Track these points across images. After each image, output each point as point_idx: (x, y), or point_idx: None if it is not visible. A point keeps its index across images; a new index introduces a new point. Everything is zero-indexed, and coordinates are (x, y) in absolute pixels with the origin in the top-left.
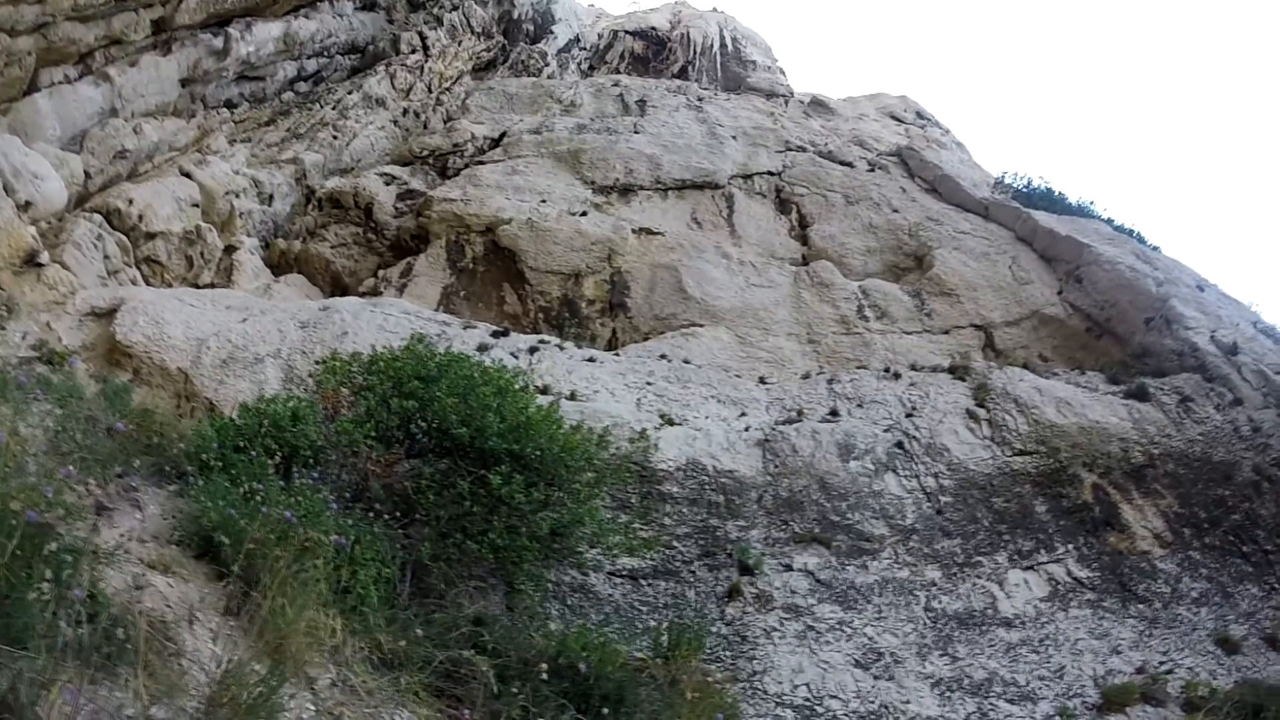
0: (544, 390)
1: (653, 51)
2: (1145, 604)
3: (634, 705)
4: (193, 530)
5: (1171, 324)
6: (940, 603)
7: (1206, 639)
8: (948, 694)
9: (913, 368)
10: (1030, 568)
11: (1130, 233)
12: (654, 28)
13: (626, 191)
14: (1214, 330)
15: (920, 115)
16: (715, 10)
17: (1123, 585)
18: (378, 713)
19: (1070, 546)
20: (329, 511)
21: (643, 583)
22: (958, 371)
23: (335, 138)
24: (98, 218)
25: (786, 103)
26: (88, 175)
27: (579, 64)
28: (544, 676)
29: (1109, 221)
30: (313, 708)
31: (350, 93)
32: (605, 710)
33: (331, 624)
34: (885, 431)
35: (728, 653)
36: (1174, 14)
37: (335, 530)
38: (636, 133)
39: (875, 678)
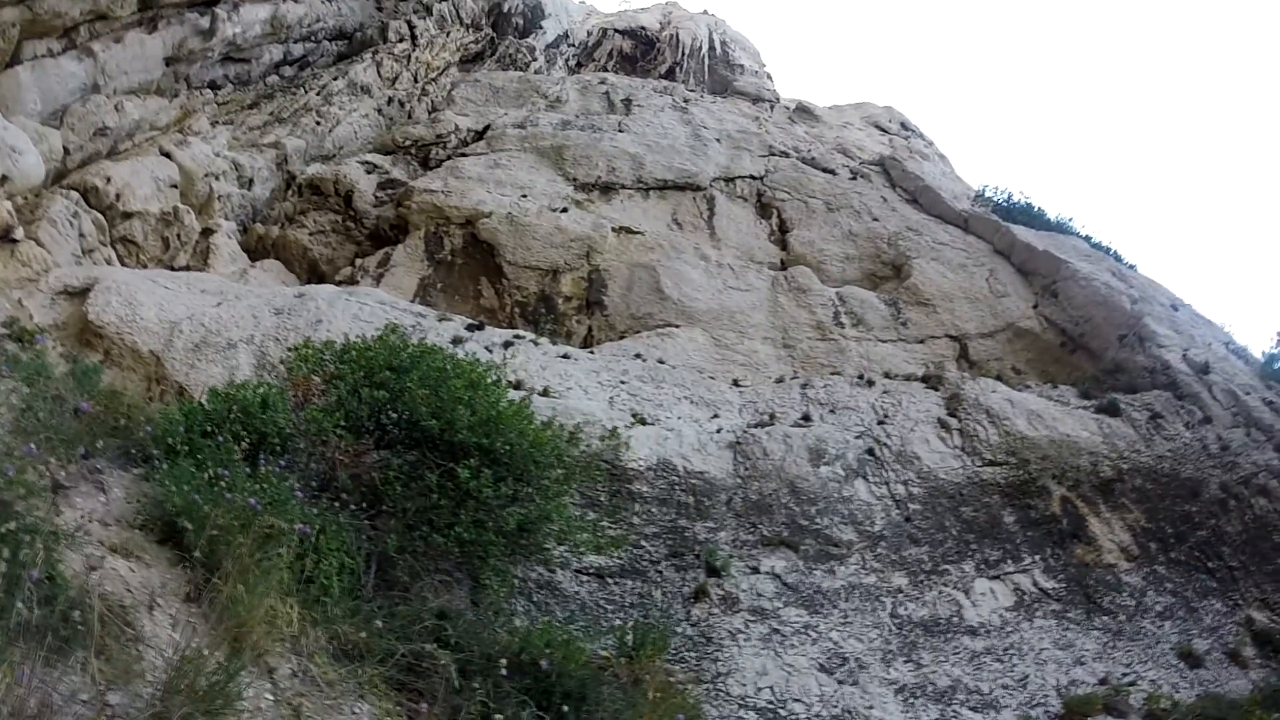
0: (517, 385)
1: (641, 51)
2: (1110, 616)
3: (596, 704)
4: (156, 515)
5: (1144, 341)
6: (906, 609)
7: (1170, 652)
8: (911, 700)
9: (887, 375)
10: (997, 577)
11: (1107, 250)
12: (643, 27)
13: (608, 189)
14: (1186, 349)
15: (905, 126)
16: (706, 13)
17: (1088, 597)
18: (338, 704)
19: (1037, 557)
20: (295, 500)
21: (609, 581)
22: (931, 381)
23: (318, 124)
24: (75, 195)
25: (772, 108)
26: (66, 151)
27: (567, 60)
28: (504, 672)
29: (1087, 238)
30: (271, 697)
31: (336, 79)
32: (566, 708)
33: (290, 613)
34: (857, 438)
35: (692, 654)
36: (1160, 36)
37: (300, 519)
38: (621, 131)
39: (839, 682)
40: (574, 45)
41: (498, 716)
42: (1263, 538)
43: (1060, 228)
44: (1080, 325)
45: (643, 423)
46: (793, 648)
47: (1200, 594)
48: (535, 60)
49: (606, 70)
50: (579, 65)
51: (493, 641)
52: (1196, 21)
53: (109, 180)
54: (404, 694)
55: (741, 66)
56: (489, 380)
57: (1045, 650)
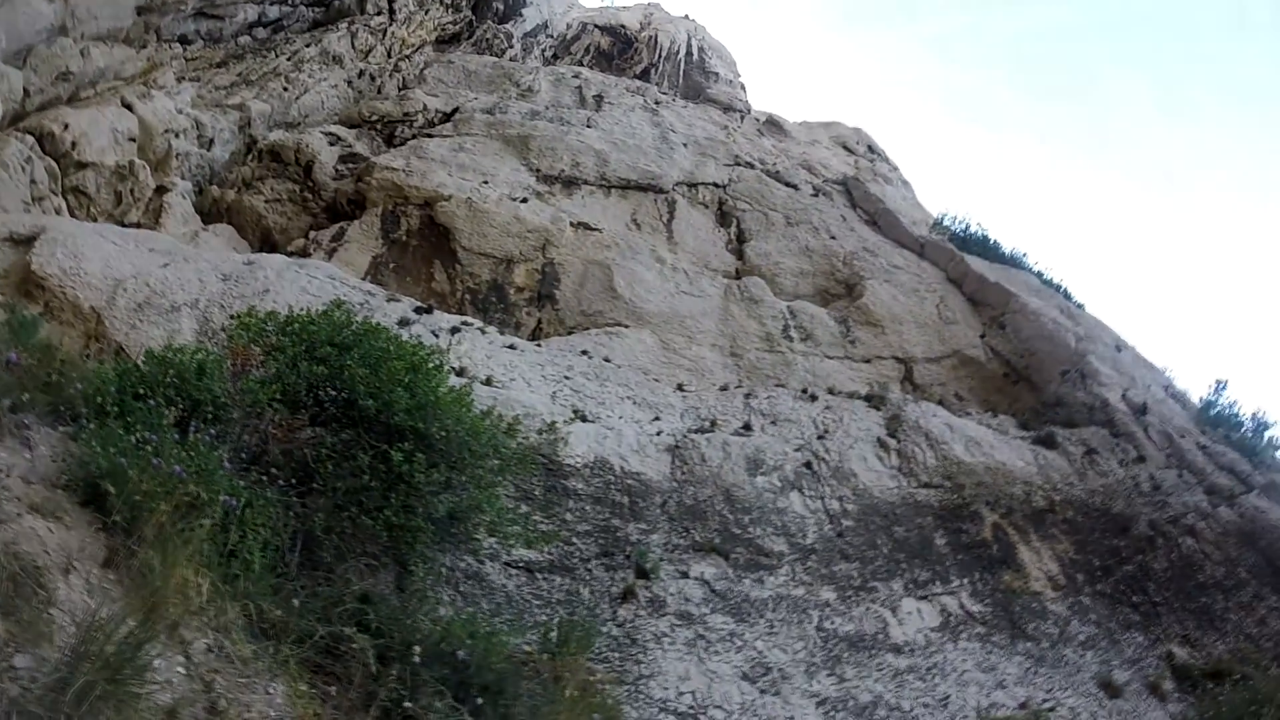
0: (460, 372)
1: (618, 49)
2: (1033, 642)
3: (514, 698)
4: (80, 476)
5: (1086, 379)
6: (832, 623)
7: (1090, 681)
8: (832, 714)
9: (830, 391)
10: (924, 597)
11: (1057, 288)
12: (623, 26)
13: (570, 184)
14: (1126, 389)
15: (871, 149)
16: (687, 18)
17: (1013, 622)
18: (251, 682)
19: (965, 581)
20: (223, 471)
21: (538, 576)
22: (874, 400)
23: (286, 90)
24: (30, 139)
25: (742, 118)
26: (26, 93)
27: (543, 50)
28: (419, 660)
29: (1038, 274)
30: (183, 670)
31: (308, 46)
32: (482, 701)
33: (201, 583)
34: (795, 450)
35: (616, 654)
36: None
37: (227, 491)
38: (589, 127)
39: (761, 692)
40: (552, 36)
41: (408, 704)
42: (1188, 576)
43: (1013, 261)
44: (1025, 358)
45: (583, 419)
46: (717, 654)
47: (1123, 626)
48: (511, 47)
49: (582, 65)
50: (555, 57)
51: (414, 629)
52: (1153, 62)
53: (66, 127)
54: (320, 676)
55: (716, 74)
56: (431, 365)
57: (968, 672)
